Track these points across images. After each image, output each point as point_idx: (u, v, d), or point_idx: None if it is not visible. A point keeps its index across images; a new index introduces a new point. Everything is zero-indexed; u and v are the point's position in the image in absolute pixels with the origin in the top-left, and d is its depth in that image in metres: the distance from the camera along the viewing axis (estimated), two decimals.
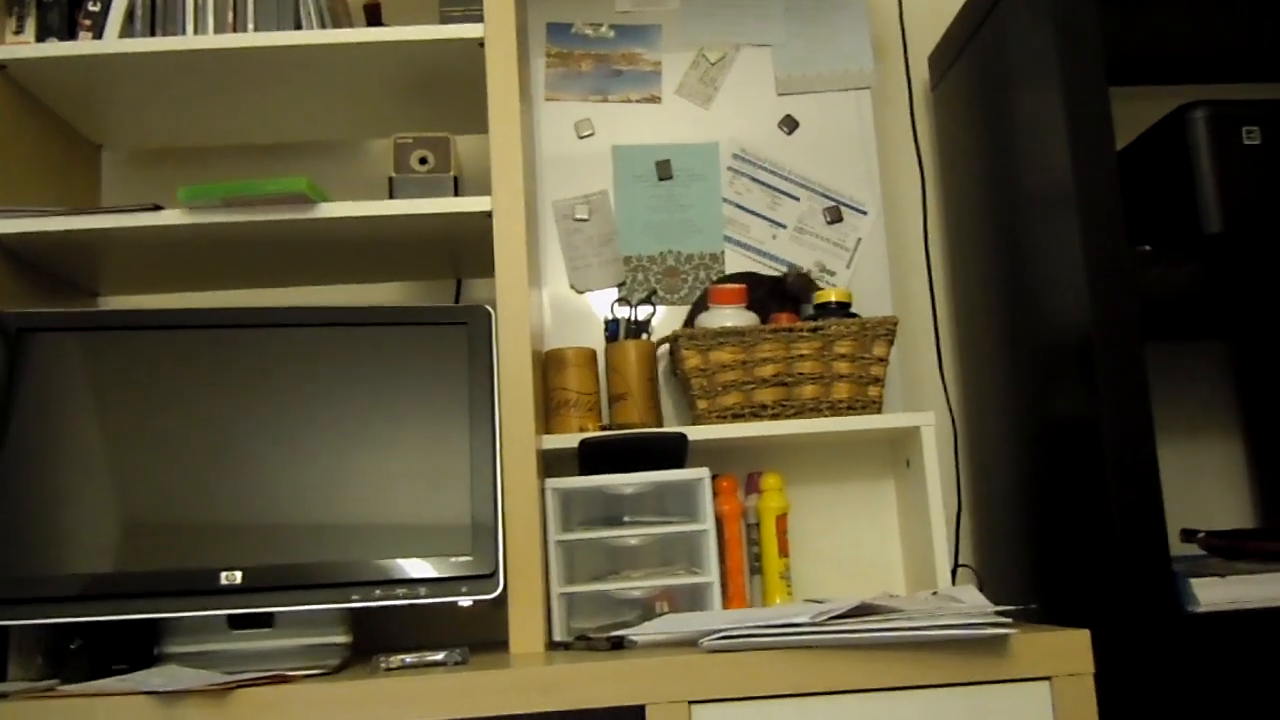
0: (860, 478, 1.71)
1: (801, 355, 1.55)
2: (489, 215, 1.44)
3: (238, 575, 1.30)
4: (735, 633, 1.09)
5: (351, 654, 1.36)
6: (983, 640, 1.09)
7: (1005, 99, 1.53)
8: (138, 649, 1.37)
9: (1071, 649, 1.10)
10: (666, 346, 1.68)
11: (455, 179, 1.50)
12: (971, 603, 1.28)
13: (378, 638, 1.55)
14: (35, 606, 1.26)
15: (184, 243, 1.50)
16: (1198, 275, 1.42)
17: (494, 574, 1.33)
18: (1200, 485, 1.74)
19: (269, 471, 1.34)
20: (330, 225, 1.46)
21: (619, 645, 1.24)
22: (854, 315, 1.61)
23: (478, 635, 1.62)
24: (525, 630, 1.34)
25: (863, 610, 1.17)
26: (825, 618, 1.12)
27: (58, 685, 1.23)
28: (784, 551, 1.58)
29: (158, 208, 1.42)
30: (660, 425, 1.63)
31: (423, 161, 1.51)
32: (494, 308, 1.43)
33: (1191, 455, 1.75)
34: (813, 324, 1.55)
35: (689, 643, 1.22)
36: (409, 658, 1.22)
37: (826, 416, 1.55)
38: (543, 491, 1.42)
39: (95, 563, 1.29)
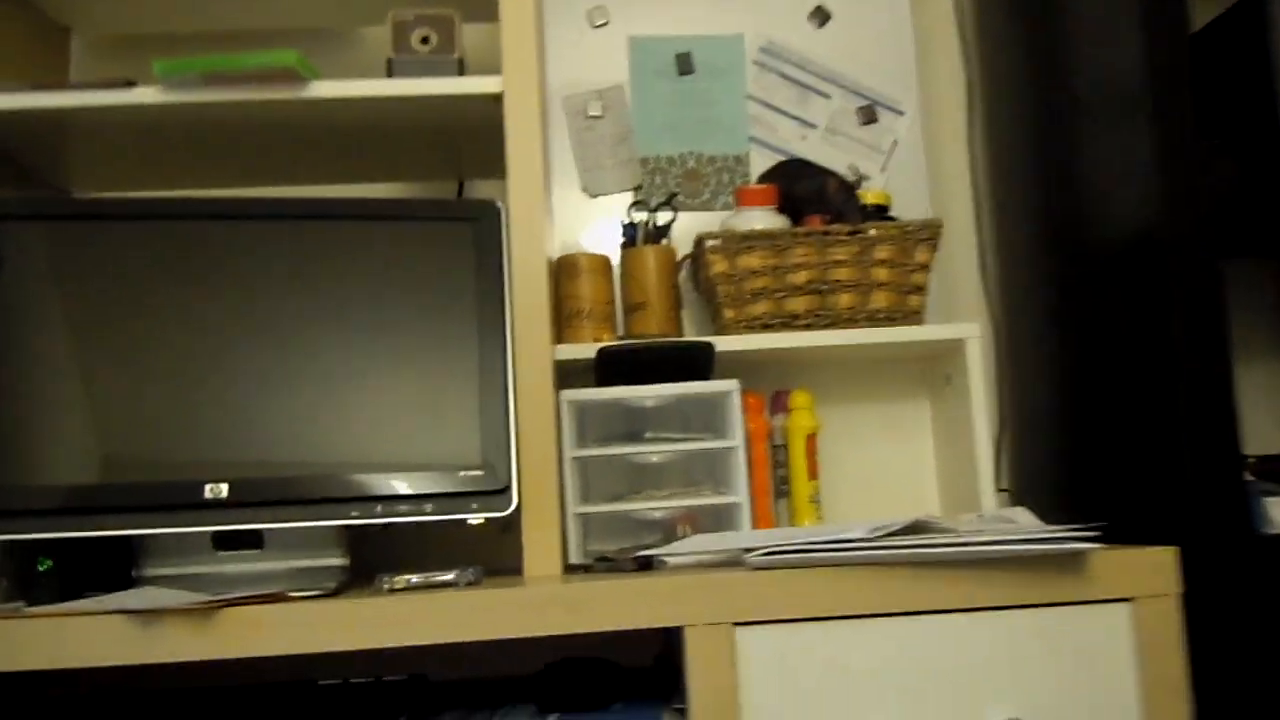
0: (893, 395, 1.59)
1: (838, 261, 1.42)
2: (498, 99, 1.30)
3: (223, 488, 1.17)
4: (784, 548, 0.97)
5: (349, 578, 1.24)
6: (1058, 558, 0.98)
7: None
8: (113, 571, 1.24)
9: (1157, 568, 0.99)
10: (686, 255, 1.55)
11: (460, 61, 1.36)
12: (1026, 524, 1.18)
13: (377, 562, 1.43)
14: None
15: (160, 127, 1.36)
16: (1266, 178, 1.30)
17: (506, 490, 1.20)
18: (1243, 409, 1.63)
19: (257, 377, 1.21)
20: (322, 108, 1.32)
21: (646, 566, 1.13)
22: (892, 219, 1.48)
23: (485, 561, 1.51)
24: (540, 552, 1.23)
25: (919, 528, 1.06)
26: (882, 534, 1.01)
27: (23, 607, 1.11)
28: (813, 474, 1.47)
29: (131, 84, 1.28)
30: (681, 336, 1.50)
31: (424, 41, 1.36)
32: (504, 205, 1.29)
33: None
34: (850, 227, 1.42)
35: (725, 564, 1.11)
36: (415, 577, 1.10)
37: (864, 328, 1.42)
38: (558, 404, 1.30)
39: (64, 475, 1.16)
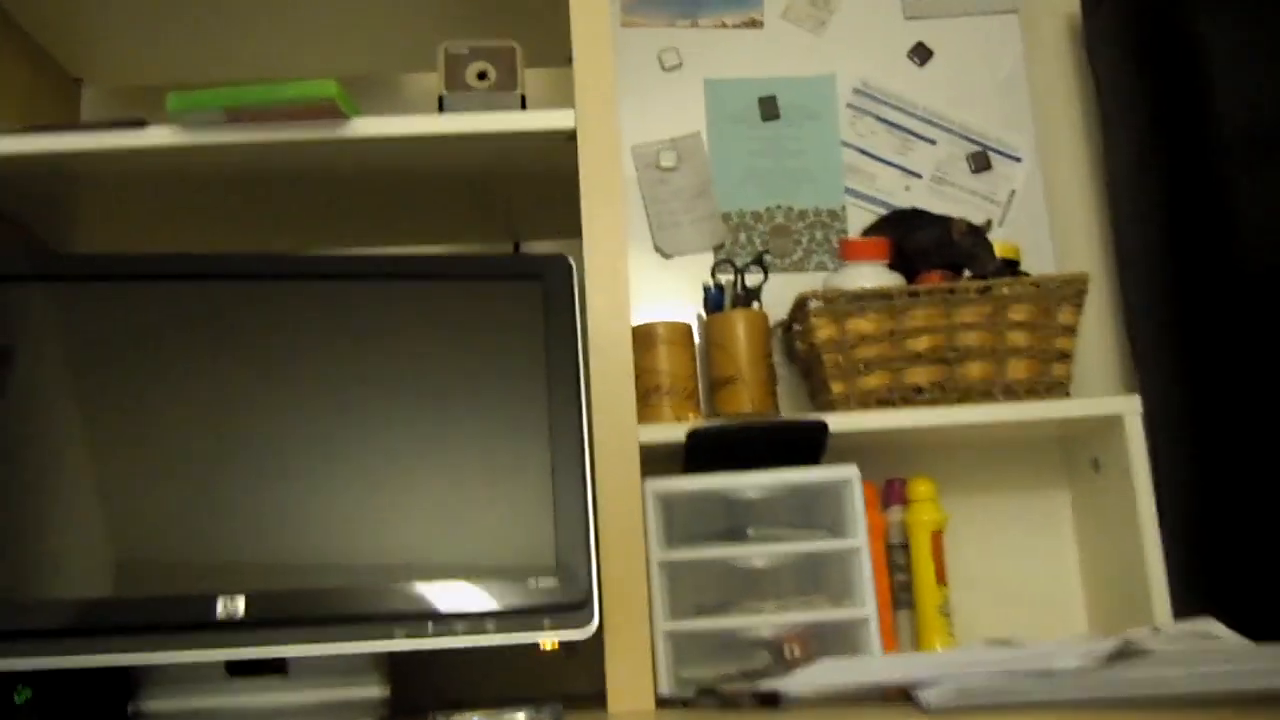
0: (1026, 482, 1.36)
1: (966, 324, 1.21)
2: (572, 138, 1.11)
3: (239, 604, 0.95)
4: (974, 681, 0.74)
5: (391, 713, 1.01)
6: None
7: (1195, 17, 1.20)
8: (107, 703, 1.02)
9: None
10: (781, 321, 1.34)
11: (522, 98, 1.17)
12: (1235, 643, 0.94)
13: (424, 692, 1.19)
14: None
15: (175, 175, 1.17)
16: None
17: (586, 604, 0.98)
18: None
19: (284, 467, 1.00)
20: (366, 150, 1.13)
21: (771, 701, 0.89)
22: (1025, 275, 1.27)
23: (554, 686, 1.27)
24: (627, 680, 0.99)
25: (1129, 650, 0.82)
26: (1095, 661, 0.77)
27: None
28: (942, 578, 1.23)
29: (141, 123, 1.09)
30: (778, 415, 1.28)
31: (481, 77, 1.17)
32: (575, 261, 1.09)
33: None
34: (980, 283, 1.21)
35: (865, 698, 0.87)
36: (478, 716, 0.87)
37: (1000, 402, 1.20)
38: (643, 496, 1.07)
39: (49, 588, 0.94)
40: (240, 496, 0.98)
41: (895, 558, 1.26)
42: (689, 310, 1.38)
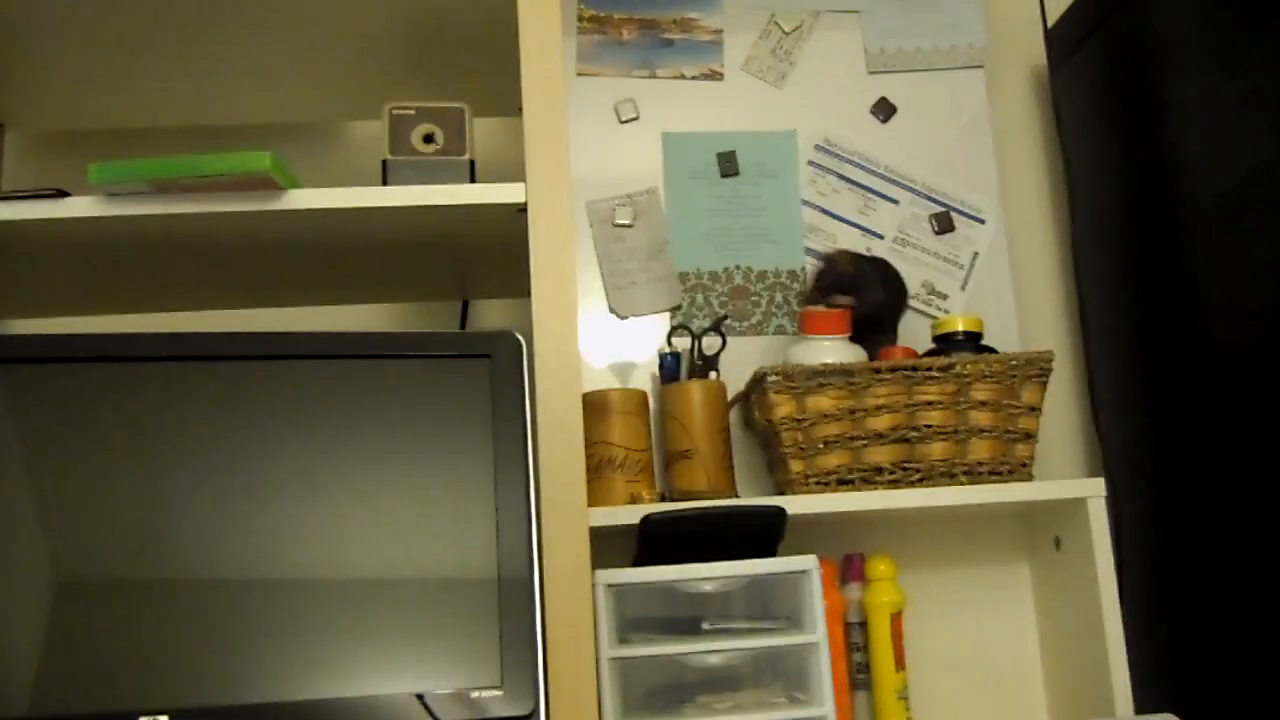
0: (985, 558, 1.33)
1: (929, 402, 1.17)
2: (523, 210, 1.05)
3: None
4: None
5: None
6: None
7: (1162, 79, 1.18)
8: None
9: None
10: (740, 393, 1.30)
11: (471, 163, 1.12)
12: None
13: None
14: None
15: (101, 245, 1.10)
16: None
17: (534, 712, 0.93)
18: None
19: (210, 566, 0.94)
20: (303, 222, 1.07)
21: None
22: (988, 349, 1.23)
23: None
24: None
25: None
26: None
27: None
28: (901, 663, 1.20)
29: (62, 194, 1.02)
30: (734, 492, 1.24)
31: (428, 140, 1.12)
32: (523, 336, 1.04)
33: None
34: (943, 360, 1.17)
35: None
36: None
37: (962, 484, 1.17)
38: (594, 590, 1.03)
39: None
40: (162, 600, 0.92)
41: (853, 636, 1.23)
42: (644, 373, 1.33)
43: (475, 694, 0.93)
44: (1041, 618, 1.30)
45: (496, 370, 1.05)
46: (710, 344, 1.28)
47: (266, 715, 0.90)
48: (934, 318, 1.36)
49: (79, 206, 1.02)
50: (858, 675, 1.22)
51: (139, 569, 0.93)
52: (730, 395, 1.28)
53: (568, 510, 1.00)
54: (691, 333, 1.28)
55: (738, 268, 1.37)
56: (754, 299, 1.36)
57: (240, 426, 0.98)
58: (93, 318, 1.34)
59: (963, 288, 1.38)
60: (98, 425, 0.96)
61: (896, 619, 1.20)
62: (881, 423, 1.17)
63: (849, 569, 1.25)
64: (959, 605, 1.31)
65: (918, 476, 1.17)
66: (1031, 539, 1.32)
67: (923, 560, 1.32)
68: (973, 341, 1.23)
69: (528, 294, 1.04)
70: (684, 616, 1.08)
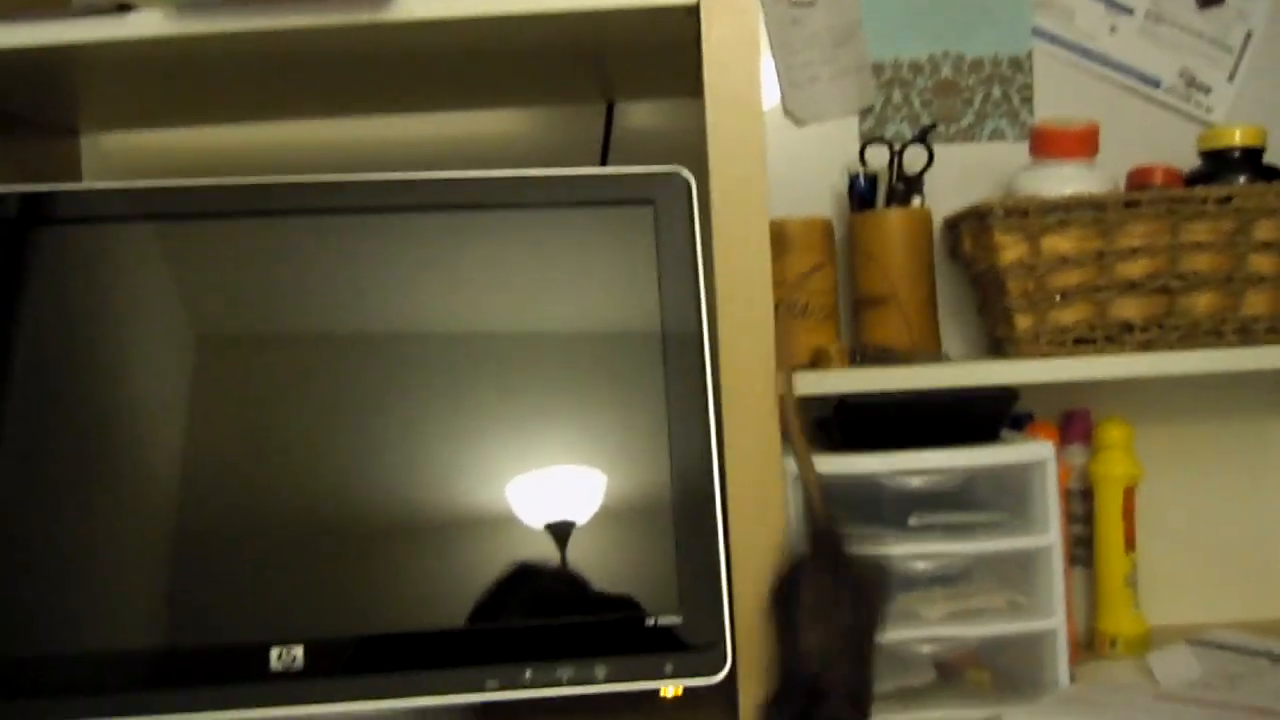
0: (1233, 420, 1.12)
1: (1197, 244, 0.93)
2: (692, 13, 0.82)
3: (297, 654, 0.78)
4: None
5: None
6: None
7: None
8: None
9: None
10: (950, 218, 1.07)
11: None
12: None
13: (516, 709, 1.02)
14: None
15: (176, 59, 0.90)
16: None
17: (716, 645, 0.79)
18: None
19: (340, 477, 0.80)
20: (412, 35, 0.85)
21: None
22: (1274, 172, 0.97)
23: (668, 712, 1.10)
24: None
25: None
26: None
27: None
28: (1131, 544, 1.02)
29: (125, 8, 0.82)
30: (939, 347, 1.04)
31: None
32: (684, 148, 0.84)
33: None
34: (1220, 191, 0.92)
35: None
36: None
37: (1232, 345, 0.94)
38: (785, 491, 0.86)
39: (84, 637, 0.78)
40: (286, 519, 0.79)
41: (1073, 507, 1.05)
42: (826, 194, 1.11)
43: (651, 618, 0.79)
44: None
45: (663, 218, 0.85)
46: (914, 160, 1.04)
47: (414, 644, 0.78)
48: (1194, 117, 1.09)
49: (145, 24, 0.82)
50: (1076, 550, 1.05)
51: (267, 493, 0.80)
52: (935, 220, 1.06)
53: (757, 398, 0.82)
54: (890, 146, 1.04)
55: (945, 55, 1.10)
56: (965, 95, 1.10)
57: (361, 299, 0.82)
58: (184, 130, 1.16)
59: (1230, 78, 1.09)
60: (188, 298, 0.81)
61: (1129, 494, 1.02)
62: (1135, 269, 0.94)
63: (1071, 428, 1.06)
64: (1199, 472, 1.11)
65: (1176, 336, 0.95)
66: None
67: (1159, 419, 1.12)
68: (1253, 161, 0.97)
69: (687, 94, 0.83)
70: (885, 513, 0.92)
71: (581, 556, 0.80)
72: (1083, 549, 1.05)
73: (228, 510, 0.79)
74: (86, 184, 0.86)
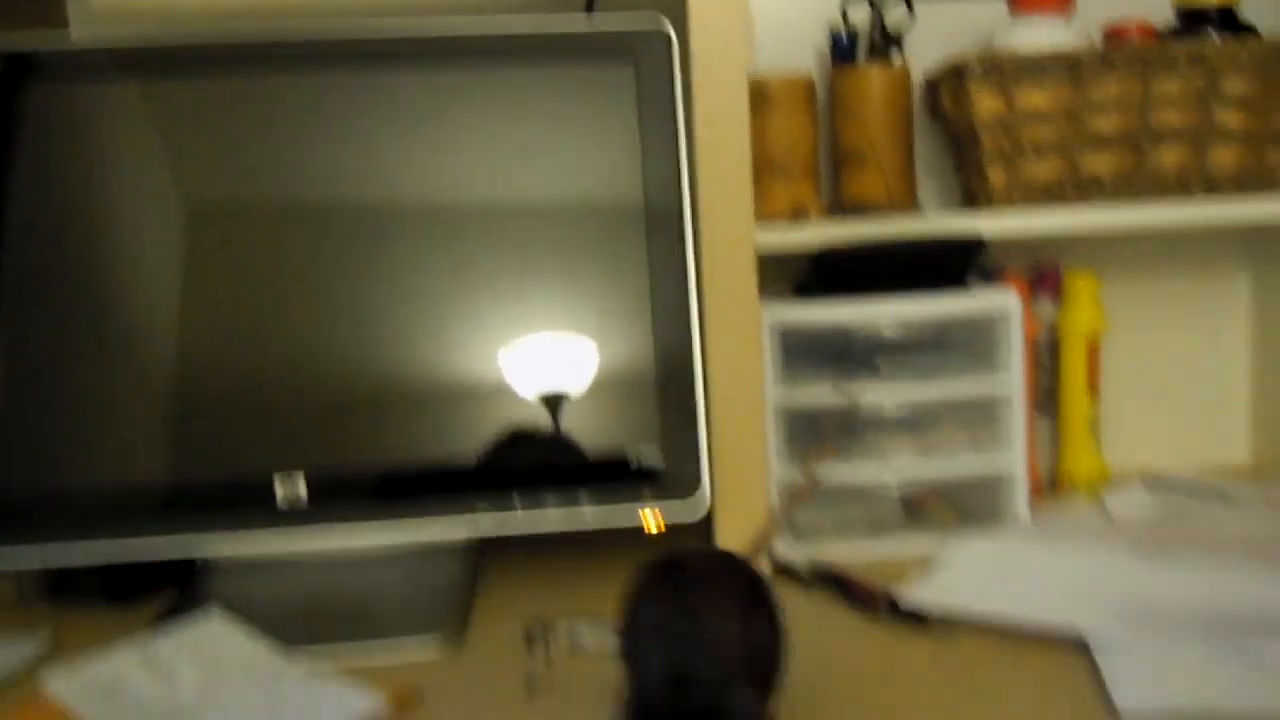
0: (1196, 275, 1.15)
1: (1168, 99, 0.95)
2: None
3: (299, 483, 0.83)
4: (1185, 700, 0.60)
5: (473, 578, 0.91)
6: None
7: None
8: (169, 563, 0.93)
9: None
10: (930, 75, 1.09)
11: None
12: None
13: (510, 556, 1.07)
14: (7, 550, 0.82)
15: None
16: None
17: (695, 475, 0.84)
18: None
19: (339, 314, 0.84)
20: None
21: (916, 618, 0.77)
22: (1247, 29, 0.99)
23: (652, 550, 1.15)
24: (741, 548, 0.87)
25: None
26: None
27: (49, 645, 0.81)
28: (1094, 390, 1.07)
29: None
30: (915, 202, 1.07)
31: None
32: (672, 27, 0.85)
33: None
34: (1193, 47, 0.94)
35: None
36: (584, 631, 0.77)
37: (1198, 199, 0.98)
38: (760, 331, 0.90)
39: (91, 472, 0.82)
40: (290, 355, 0.83)
41: (1041, 357, 1.10)
42: (807, 50, 1.12)
43: (633, 453, 0.84)
44: (1257, 341, 1.14)
45: (644, 74, 0.87)
46: (895, 17, 1.05)
47: (409, 470, 0.83)
48: None
49: None
50: (1043, 399, 1.10)
51: (256, 312, 0.83)
52: (915, 77, 1.07)
53: (733, 241, 0.85)
54: (871, 2, 1.05)
55: None
56: None
57: (338, 146, 0.84)
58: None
59: None
60: (231, 145, 0.83)
61: (1094, 344, 1.06)
62: (1107, 124, 0.96)
63: (1041, 282, 1.10)
64: (1161, 324, 1.16)
65: (1147, 188, 0.98)
66: (1255, 253, 1.13)
67: (1124, 274, 1.15)
68: (1226, 18, 0.99)
69: None
70: (855, 357, 0.96)
71: (570, 414, 0.84)
72: (1049, 398, 1.10)
73: (227, 355, 0.83)
74: (73, 40, 0.87)
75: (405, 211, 0.84)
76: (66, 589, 0.93)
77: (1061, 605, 0.73)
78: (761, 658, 0.59)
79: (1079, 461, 1.07)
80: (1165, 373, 1.16)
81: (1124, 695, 0.62)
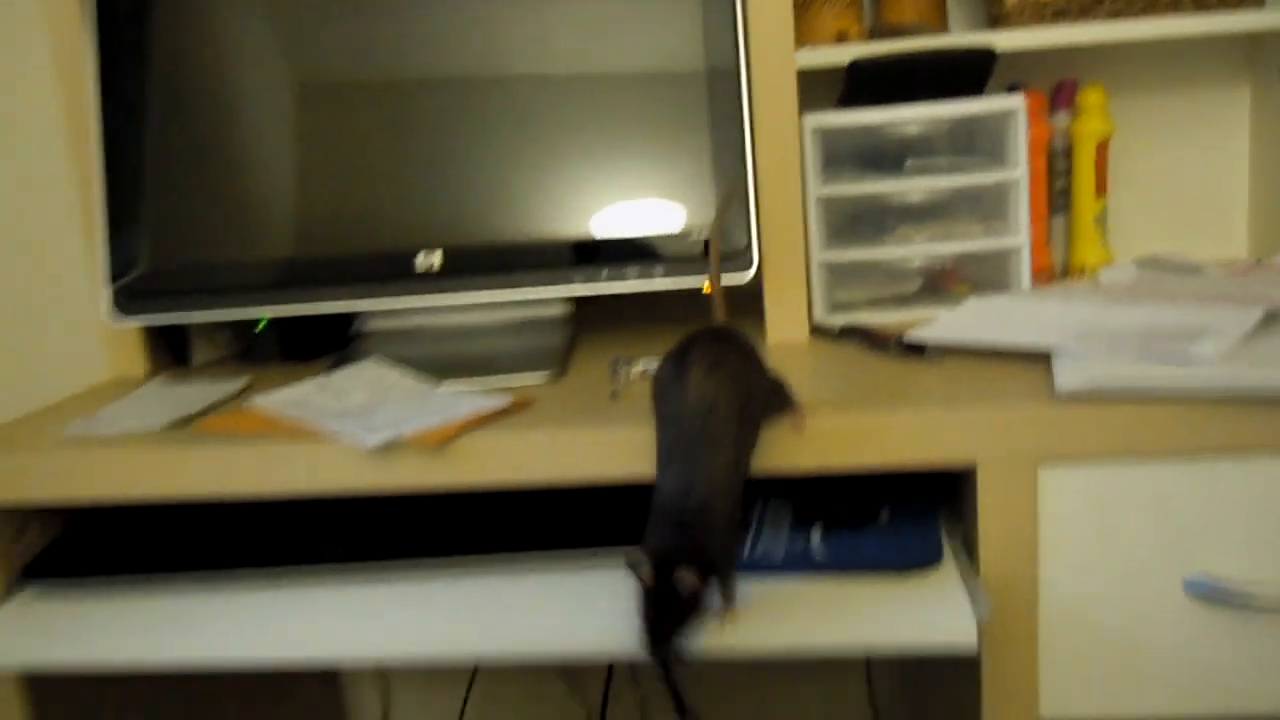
0: (1201, 87, 1.29)
1: None
2: None
3: (436, 257, 1.05)
4: (1109, 377, 0.80)
5: (572, 340, 1.14)
6: None
7: None
8: (332, 327, 1.18)
9: None
10: None
11: None
12: None
13: (598, 334, 1.30)
14: (214, 298, 1.06)
15: None
16: None
17: (747, 248, 1.04)
18: None
19: (466, 121, 1.05)
20: None
21: (916, 350, 0.97)
22: None
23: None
24: (784, 315, 1.08)
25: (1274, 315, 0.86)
26: (1237, 341, 0.82)
27: (247, 382, 1.06)
28: (1102, 189, 1.24)
29: None
30: (944, 25, 1.23)
31: None
32: None
33: None
34: None
35: (1008, 353, 0.94)
36: (655, 364, 0.98)
37: (1187, 13, 1.12)
38: (801, 133, 1.09)
39: (268, 249, 1.06)
40: (430, 159, 1.05)
41: (1057, 164, 1.26)
42: None
43: (695, 230, 1.04)
44: (1255, 146, 1.28)
45: None
46: None
47: (522, 249, 1.05)
48: None
49: None
50: (1058, 200, 1.27)
51: (401, 125, 1.05)
52: None
53: (775, 52, 1.03)
54: None
55: None
56: None
57: (441, 22, 1.04)
58: None
59: None
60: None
61: (1102, 148, 1.22)
62: None
63: (1059, 96, 1.25)
64: (1169, 133, 1.30)
65: (1140, 6, 1.13)
66: (1256, 64, 1.27)
67: (1136, 86, 1.30)
68: None
69: None
70: (887, 157, 1.14)
71: (648, 206, 1.04)
72: (1063, 198, 1.27)
73: (380, 150, 1.05)
74: None
75: (501, 80, 1.04)
76: (256, 353, 1.18)
77: (1034, 334, 0.92)
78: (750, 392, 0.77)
79: (1087, 254, 1.24)
80: (1171, 178, 1.31)
81: (1063, 380, 0.81)
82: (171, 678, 1.15)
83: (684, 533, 0.71)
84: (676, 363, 0.77)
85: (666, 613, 0.70)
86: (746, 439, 0.77)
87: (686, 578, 0.69)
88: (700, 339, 0.79)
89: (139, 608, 0.88)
